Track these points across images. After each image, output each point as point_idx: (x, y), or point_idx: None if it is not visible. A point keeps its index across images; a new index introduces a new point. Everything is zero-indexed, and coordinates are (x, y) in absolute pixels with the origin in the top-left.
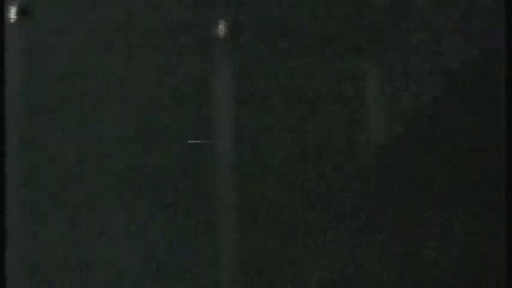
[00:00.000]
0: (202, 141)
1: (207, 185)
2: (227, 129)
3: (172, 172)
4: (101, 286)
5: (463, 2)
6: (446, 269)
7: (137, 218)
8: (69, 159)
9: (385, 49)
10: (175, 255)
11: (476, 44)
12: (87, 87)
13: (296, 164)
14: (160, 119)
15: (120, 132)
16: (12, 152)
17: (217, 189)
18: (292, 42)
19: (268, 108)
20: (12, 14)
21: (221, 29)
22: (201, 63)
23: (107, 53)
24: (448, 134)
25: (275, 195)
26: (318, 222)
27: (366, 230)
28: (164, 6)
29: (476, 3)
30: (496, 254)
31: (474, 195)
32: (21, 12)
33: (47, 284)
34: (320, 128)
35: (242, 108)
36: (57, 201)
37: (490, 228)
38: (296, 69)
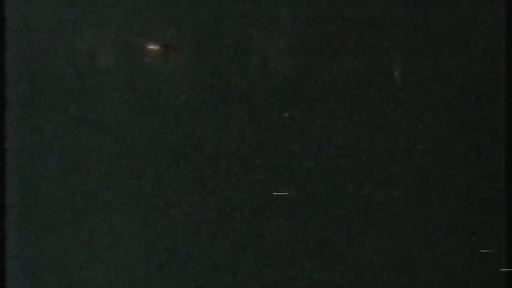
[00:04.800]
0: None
1: (207, 184)
2: (227, 130)
3: (173, 171)
4: (100, 286)
5: (464, 2)
6: (446, 269)
7: (137, 217)
8: (69, 159)
9: (385, 49)
10: (175, 255)
11: (476, 44)
12: (87, 86)
13: (296, 163)
14: (163, 121)
15: (121, 132)
16: (12, 152)
17: (218, 189)
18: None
19: (268, 107)
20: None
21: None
22: (203, 62)
23: (108, 53)
24: (448, 134)
25: (276, 195)
26: (318, 221)
27: (365, 230)
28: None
29: (476, 4)
30: (496, 254)
31: (474, 195)
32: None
33: (47, 284)
34: (321, 127)
35: (243, 107)
36: (57, 201)
37: (490, 228)
38: (297, 69)
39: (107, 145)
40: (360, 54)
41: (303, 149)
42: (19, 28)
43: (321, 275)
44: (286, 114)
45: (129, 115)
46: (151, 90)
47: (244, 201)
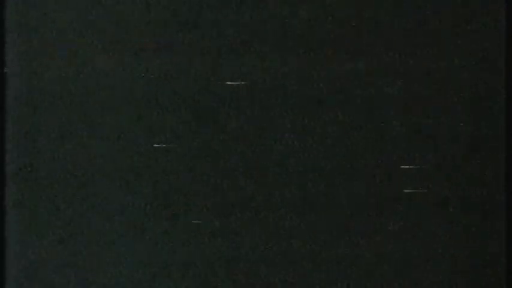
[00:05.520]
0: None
1: (206, 184)
2: (227, 130)
3: (173, 172)
4: (100, 286)
5: (464, 2)
6: (446, 269)
7: (137, 219)
8: (69, 159)
9: (385, 49)
10: (175, 255)
11: (476, 44)
12: (87, 86)
13: (296, 163)
14: (162, 119)
15: (121, 133)
16: (12, 152)
17: (217, 189)
18: (292, 42)
19: (268, 108)
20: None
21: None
22: (204, 63)
23: (107, 53)
24: (448, 134)
25: (275, 195)
26: (317, 222)
27: (365, 230)
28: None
29: (476, 4)
30: (496, 254)
31: (474, 195)
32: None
33: (47, 284)
34: (320, 127)
35: (242, 108)
36: (57, 201)
37: (490, 228)
38: (297, 69)
39: (107, 146)
40: (360, 54)
41: (302, 148)
42: (19, 28)
43: (322, 275)
44: None
45: (130, 115)
46: (152, 91)
47: (245, 201)
